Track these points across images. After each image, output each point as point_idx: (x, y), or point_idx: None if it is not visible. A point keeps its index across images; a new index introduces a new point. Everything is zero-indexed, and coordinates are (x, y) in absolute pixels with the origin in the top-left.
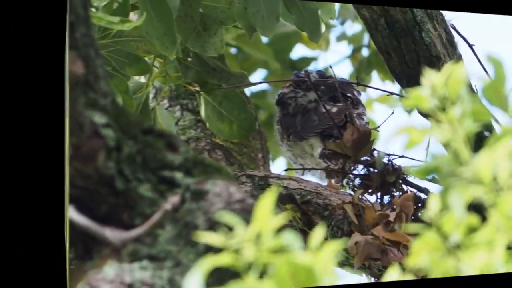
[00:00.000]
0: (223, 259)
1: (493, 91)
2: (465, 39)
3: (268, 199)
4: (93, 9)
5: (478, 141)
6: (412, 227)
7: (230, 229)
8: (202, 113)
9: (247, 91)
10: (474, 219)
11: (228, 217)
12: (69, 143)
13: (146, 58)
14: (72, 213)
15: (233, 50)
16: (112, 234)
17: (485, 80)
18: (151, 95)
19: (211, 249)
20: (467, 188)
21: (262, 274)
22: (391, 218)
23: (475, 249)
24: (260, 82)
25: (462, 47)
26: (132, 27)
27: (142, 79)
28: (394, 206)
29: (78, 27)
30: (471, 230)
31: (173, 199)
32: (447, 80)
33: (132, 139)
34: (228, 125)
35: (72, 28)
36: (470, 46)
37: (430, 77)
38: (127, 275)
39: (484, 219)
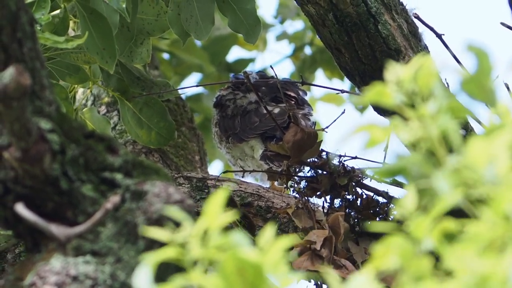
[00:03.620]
0: (168, 253)
1: (476, 85)
2: (432, 29)
3: (218, 197)
4: (38, 26)
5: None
6: (380, 226)
7: (177, 225)
8: (122, 118)
9: (183, 95)
10: (451, 223)
11: (175, 213)
12: (18, 147)
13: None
14: (21, 210)
15: (166, 56)
16: (57, 230)
17: (466, 73)
18: (89, 102)
19: (151, 247)
20: (457, 175)
21: (209, 270)
22: (318, 246)
23: (459, 249)
24: (196, 86)
25: (429, 38)
26: (75, 45)
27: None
28: (325, 226)
29: (26, 42)
30: (449, 236)
31: (113, 199)
32: (416, 73)
33: (75, 143)
34: (146, 131)
35: (20, 43)
36: (439, 36)
37: (395, 71)
38: (72, 268)
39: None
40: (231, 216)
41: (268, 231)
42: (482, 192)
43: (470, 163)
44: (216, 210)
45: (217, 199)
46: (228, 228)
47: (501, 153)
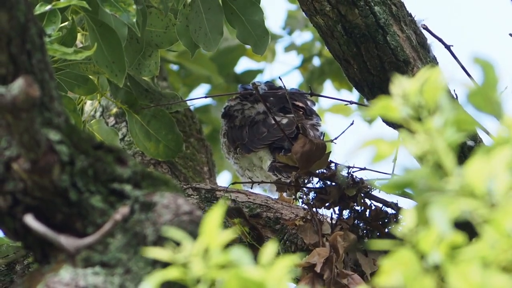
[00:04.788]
0: (171, 273)
1: (482, 97)
2: (440, 40)
3: (215, 214)
4: (47, 37)
5: (460, 152)
6: (382, 243)
7: (178, 244)
8: (130, 131)
9: (191, 106)
10: (459, 237)
11: (175, 232)
12: (27, 158)
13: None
14: (30, 221)
15: (174, 67)
16: (67, 241)
17: (471, 85)
18: (98, 113)
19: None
20: (454, 202)
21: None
22: (318, 269)
23: (462, 268)
24: (205, 97)
25: (438, 49)
26: (84, 56)
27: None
28: (327, 244)
29: (35, 54)
30: (455, 248)
31: (122, 210)
32: (423, 86)
33: (84, 154)
34: (154, 144)
35: (29, 54)
36: (447, 47)
37: (401, 84)
38: (81, 279)
39: (470, 237)
40: (230, 234)
41: (270, 248)
42: (483, 213)
43: (469, 183)
44: (214, 228)
45: (213, 216)
46: (236, 240)
47: (501, 171)
